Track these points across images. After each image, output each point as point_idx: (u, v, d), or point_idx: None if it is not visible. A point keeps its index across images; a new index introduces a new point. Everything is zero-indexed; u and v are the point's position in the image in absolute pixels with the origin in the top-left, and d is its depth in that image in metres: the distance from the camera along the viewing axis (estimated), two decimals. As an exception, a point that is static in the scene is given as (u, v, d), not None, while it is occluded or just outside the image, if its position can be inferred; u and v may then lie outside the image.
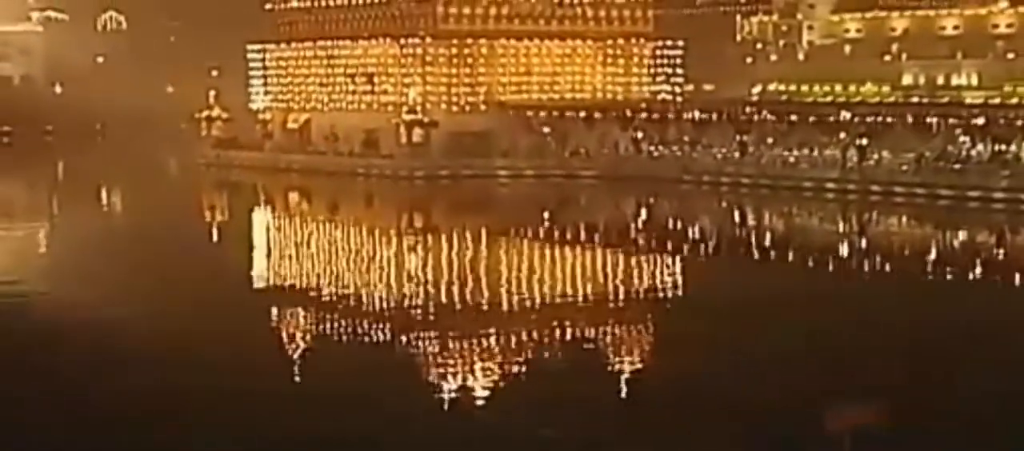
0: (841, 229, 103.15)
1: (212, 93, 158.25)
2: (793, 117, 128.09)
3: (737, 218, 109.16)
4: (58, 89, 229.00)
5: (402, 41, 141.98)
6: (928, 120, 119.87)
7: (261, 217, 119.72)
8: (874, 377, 48.67)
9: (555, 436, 41.59)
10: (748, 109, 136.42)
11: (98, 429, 43.74)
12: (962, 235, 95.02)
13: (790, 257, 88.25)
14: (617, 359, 55.58)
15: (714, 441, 41.04)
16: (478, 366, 53.95)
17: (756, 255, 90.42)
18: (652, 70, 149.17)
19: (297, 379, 52.30)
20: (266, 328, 62.16)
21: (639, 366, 54.37)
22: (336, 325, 64.09)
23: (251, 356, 54.68)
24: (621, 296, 74.05)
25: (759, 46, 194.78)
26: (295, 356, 57.06)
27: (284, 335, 61.98)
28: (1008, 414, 43.39)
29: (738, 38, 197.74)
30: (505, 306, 69.31)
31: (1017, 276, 79.44)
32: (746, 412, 44.02)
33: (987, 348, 55.31)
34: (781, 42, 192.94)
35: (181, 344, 55.68)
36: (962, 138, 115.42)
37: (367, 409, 45.68)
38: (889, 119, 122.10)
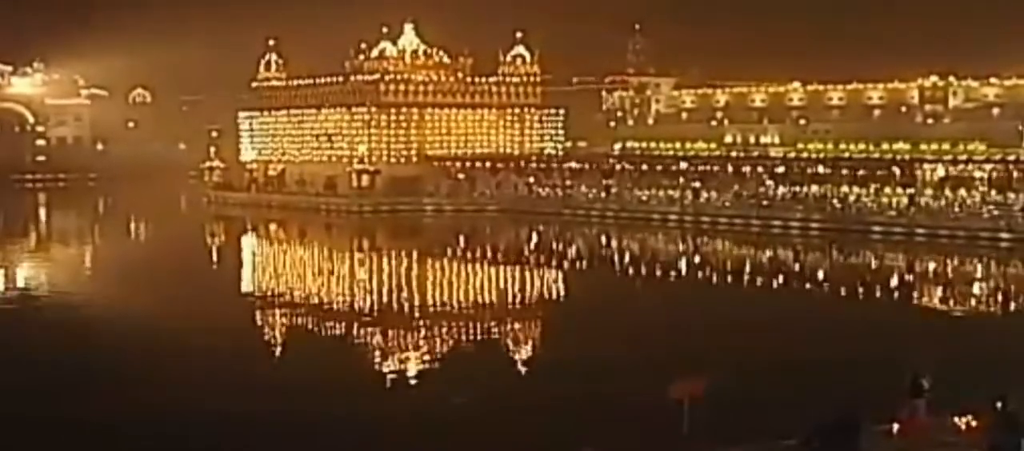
0: (679, 249, 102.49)
1: (212, 149, 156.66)
2: (645, 166, 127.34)
3: (602, 241, 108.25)
4: (100, 146, 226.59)
5: (354, 110, 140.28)
6: (743, 169, 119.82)
7: (248, 239, 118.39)
8: (692, 347, 48.33)
9: (465, 402, 40.67)
10: (611, 160, 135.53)
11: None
12: (767, 253, 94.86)
13: (641, 268, 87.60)
14: (512, 338, 56.29)
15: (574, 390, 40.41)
16: (409, 345, 53.78)
17: (616, 267, 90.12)
18: (540, 131, 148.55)
19: (276, 348, 53.13)
20: (248, 311, 64.88)
21: (527, 343, 55.00)
22: (304, 312, 65.21)
23: (241, 326, 57.92)
24: (515, 295, 74.39)
25: (619, 113, 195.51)
26: (274, 329, 60.33)
27: (262, 317, 63.85)
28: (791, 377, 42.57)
29: (604, 107, 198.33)
30: (429, 302, 69.69)
31: (794, 281, 79.59)
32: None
33: (776, 326, 56.64)
34: (636, 111, 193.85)
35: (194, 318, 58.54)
36: (768, 182, 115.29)
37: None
38: (715, 168, 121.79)
